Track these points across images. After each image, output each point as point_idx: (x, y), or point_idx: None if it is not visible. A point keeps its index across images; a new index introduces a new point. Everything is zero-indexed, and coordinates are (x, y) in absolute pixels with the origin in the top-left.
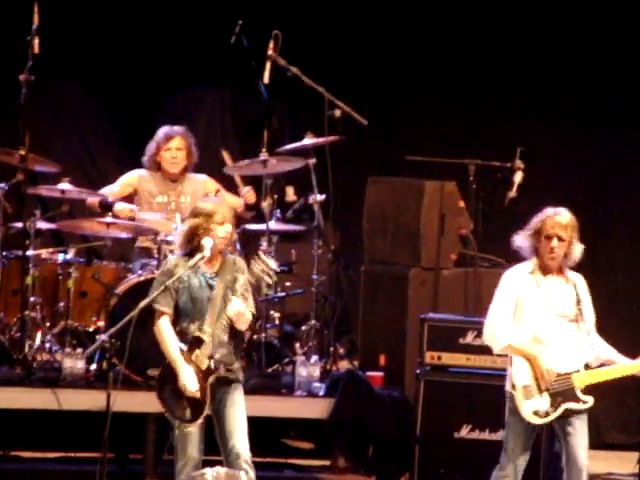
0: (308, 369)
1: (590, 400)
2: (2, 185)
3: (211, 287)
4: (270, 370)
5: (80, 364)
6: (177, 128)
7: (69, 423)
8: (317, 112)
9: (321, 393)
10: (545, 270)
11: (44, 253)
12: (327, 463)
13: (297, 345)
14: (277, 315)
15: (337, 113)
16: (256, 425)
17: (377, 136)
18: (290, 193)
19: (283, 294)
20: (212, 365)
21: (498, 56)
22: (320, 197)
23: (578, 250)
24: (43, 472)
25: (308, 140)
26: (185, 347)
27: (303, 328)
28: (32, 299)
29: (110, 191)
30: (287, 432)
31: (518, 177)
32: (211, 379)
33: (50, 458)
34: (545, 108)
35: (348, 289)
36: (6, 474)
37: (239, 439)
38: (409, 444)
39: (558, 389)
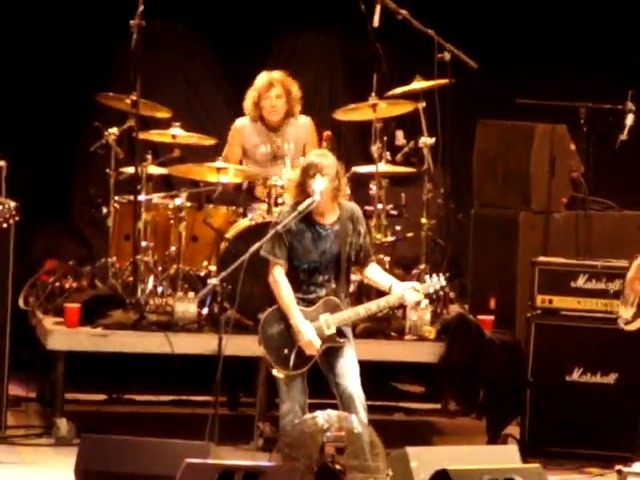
0: (418, 313)
1: None
2: (114, 130)
3: (325, 239)
4: (380, 314)
5: (192, 308)
6: (275, 74)
7: (182, 366)
8: (427, 55)
9: (431, 336)
10: None
11: (155, 198)
12: (438, 406)
13: None
14: (387, 259)
15: (447, 56)
16: (367, 369)
17: (487, 79)
18: (400, 137)
19: (393, 238)
20: (336, 337)
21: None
22: (430, 140)
23: None
24: (156, 415)
25: (417, 84)
26: (302, 297)
27: (413, 272)
28: (144, 244)
29: (232, 154)
30: (397, 376)
31: (630, 120)
32: (326, 345)
33: (163, 401)
34: None
35: (458, 233)
36: (120, 417)
37: (351, 380)
38: (520, 388)
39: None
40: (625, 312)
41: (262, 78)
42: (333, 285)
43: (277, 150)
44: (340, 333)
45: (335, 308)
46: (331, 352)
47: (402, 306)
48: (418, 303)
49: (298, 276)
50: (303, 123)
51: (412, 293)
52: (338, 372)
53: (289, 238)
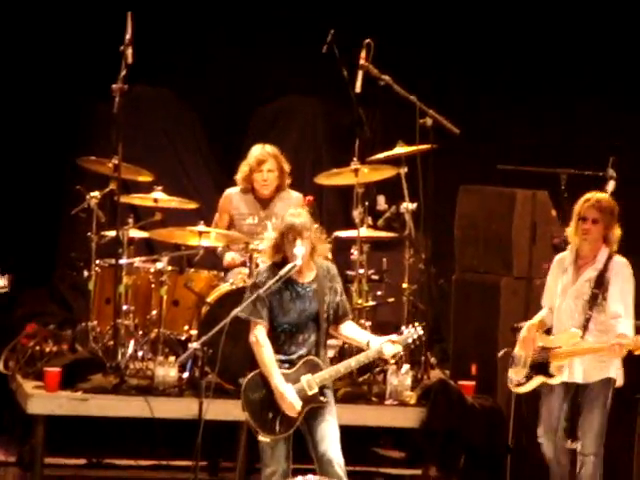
0: (399, 378)
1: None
2: (95, 194)
3: (303, 298)
4: (361, 379)
5: (173, 372)
6: (269, 149)
7: (162, 431)
8: (408, 121)
9: (412, 402)
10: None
11: (137, 262)
12: (418, 472)
13: None
14: (368, 324)
15: (428, 122)
16: (347, 433)
17: (468, 145)
18: (381, 202)
19: (374, 303)
20: (319, 397)
21: (592, 68)
22: (411, 206)
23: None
24: None
25: (400, 149)
26: (282, 358)
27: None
28: (125, 307)
29: (217, 224)
30: (378, 441)
31: (611, 186)
32: (310, 406)
33: (143, 466)
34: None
35: (439, 298)
36: None
37: (331, 444)
38: (501, 453)
39: (536, 361)
40: (516, 374)
41: (255, 151)
42: (313, 344)
43: (265, 224)
44: (322, 394)
45: (315, 368)
46: (312, 415)
47: (383, 371)
48: (395, 356)
49: (279, 337)
50: (296, 198)
51: (390, 346)
52: (318, 436)
53: (269, 298)
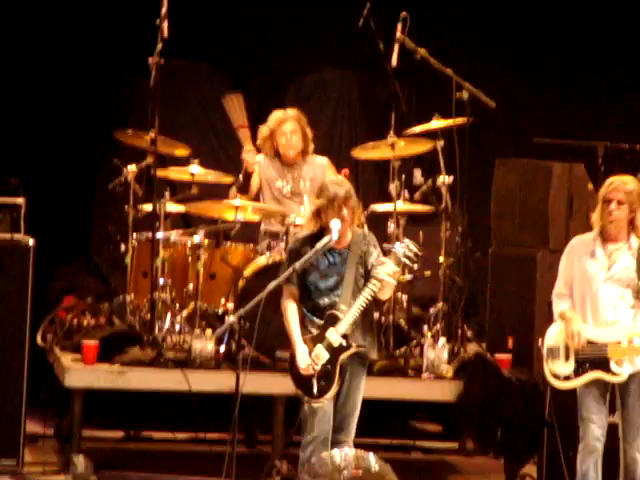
0: (436, 352)
1: (623, 372)
2: (132, 168)
3: (340, 263)
4: (398, 353)
5: (209, 346)
6: (289, 111)
7: (199, 404)
8: (445, 94)
9: (449, 375)
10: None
11: (173, 235)
12: (455, 445)
13: (425, 327)
14: (405, 297)
15: (465, 95)
16: (384, 407)
17: (505, 118)
18: (418, 175)
19: (411, 276)
20: (344, 343)
21: (630, 38)
22: (448, 179)
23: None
24: (173, 452)
25: (436, 122)
26: (320, 322)
27: (431, 311)
28: (162, 281)
29: (254, 182)
30: (415, 414)
31: None
32: (343, 356)
33: (180, 439)
34: None
35: (476, 271)
36: (137, 454)
37: (347, 416)
38: (537, 427)
39: (589, 356)
40: (560, 368)
41: (276, 115)
42: (348, 305)
43: (294, 186)
44: (360, 358)
45: (336, 320)
46: (347, 381)
47: (420, 344)
48: (395, 275)
49: (317, 303)
50: (320, 163)
51: (384, 268)
52: (339, 404)
53: (304, 266)
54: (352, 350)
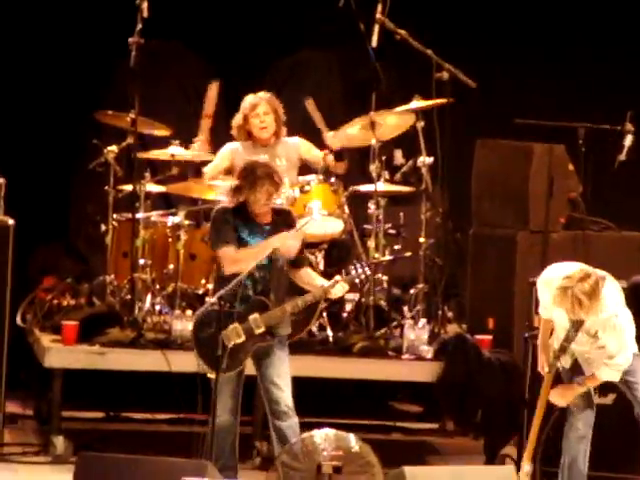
0: (416, 332)
1: None
2: (113, 148)
3: (261, 237)
4: (378, 333)
5: (190, 326)
6: (261, 94)
7: (179, 384)
8: (425, 75)
9: (429, 356)
10: None
11: (154, 216)
12: (435, 426)
13: (405, 308)
14: (385, 278)
15: (445, 76)
16: (364, 388)
17: (485, 99)
18: (398, 156)
19: (391, 257)
20: (266, 335)
21: (610, 19)
22: (428, 160)
23: None
24: (153, 433)
25: (416, 103)
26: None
27: (411, 291)
28: (142, 261)
29: (214, 166)
30: (395, 395)
31: (628, 140)
32: (258, 344)
33: (160, 419)
34: None
35: (456, 252)
36: (117, 435)
37: (281, 386)
38: (518, 407)
39: None
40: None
41: (249, 99)
42: (266, 283)
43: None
44: (271, 334)
45: (263, 308)
46: (262, 355)
47: (400, 325)
48: (342, 294)
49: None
50: (293, 143)
51: (337, 286)
52: (268, 377)
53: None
54: (267, 344)
